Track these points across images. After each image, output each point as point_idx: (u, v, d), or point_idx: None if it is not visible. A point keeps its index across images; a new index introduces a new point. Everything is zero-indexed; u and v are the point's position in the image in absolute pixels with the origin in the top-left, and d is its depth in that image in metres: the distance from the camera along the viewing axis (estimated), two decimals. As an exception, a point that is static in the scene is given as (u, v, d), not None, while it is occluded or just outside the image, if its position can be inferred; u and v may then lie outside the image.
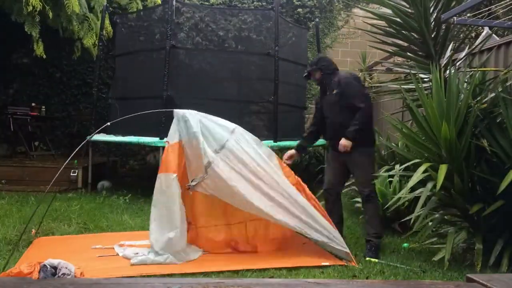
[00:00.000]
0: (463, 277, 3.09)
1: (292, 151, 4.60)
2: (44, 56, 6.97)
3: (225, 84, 7.82)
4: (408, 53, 4.90)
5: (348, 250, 3.79)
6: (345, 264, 3.64)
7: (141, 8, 8.39)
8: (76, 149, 3.49)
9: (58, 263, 2.99)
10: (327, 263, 3.62)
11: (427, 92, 3.97)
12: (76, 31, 7.33)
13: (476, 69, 4.04)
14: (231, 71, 7.84)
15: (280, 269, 3.50)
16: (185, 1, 8.67)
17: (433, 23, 4.43)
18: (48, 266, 2.94)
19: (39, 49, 6.82)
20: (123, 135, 6.80)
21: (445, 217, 4.01)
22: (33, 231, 4.22)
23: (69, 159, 3.56)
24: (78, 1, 6.79)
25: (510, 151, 3.48)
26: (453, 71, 3.86)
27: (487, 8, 4.24)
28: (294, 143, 7.52)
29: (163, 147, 4.19)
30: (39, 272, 2.90)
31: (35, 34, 6.69)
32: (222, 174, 3.70)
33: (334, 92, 4.22)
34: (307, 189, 4.00)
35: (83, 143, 3.81)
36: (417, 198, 3.85)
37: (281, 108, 7.09)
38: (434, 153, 3.75)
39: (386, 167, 5.46)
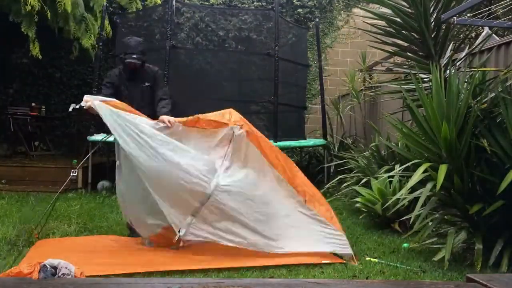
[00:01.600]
0: (463, 277, 3.09)
1: None
2: (40, 57, 6.97)
3: (225, 84, 7.83)
4: (408, 53, 4.90)
5: (350, 250, 3.81)
6: (345, 262, 3.65)
7: (141, 8, 8.39)
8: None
9: (58, 263, 2.98)
10: (327, 261, 3.63)
11: (427, 92, 3.97)
12: (72, 32, 7.33)
13: (476, 69, 4.04)
14: (231, 71, 7.85)
15: (280, 268, 3.50)
16: (185, 1, 8.67)
17: (433, 23, 4.43)
18: (48, 266, 2.94)
19: (35, 50, 6.83)
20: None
21: (445, 217, 4.01)
22: (36, 234, 4.21)
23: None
24: (72, 1, 6.77)
25: (510, 151, 3.48)
26: (453, 71, 3.86)
27: (487, 8, 4.23)
28: (294, 143, 7.58)
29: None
30: (39, 272, 2.90)
31: (31, 35, 6.69)
32: None
33: (146, 84, 4.38)
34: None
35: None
36: (417, 198, 3.85)
37: (281, 108, 7.09)
38: (434, 153, 3.75)
39: (386, 167, 5.47)
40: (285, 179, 3.94)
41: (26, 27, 6.66)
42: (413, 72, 4.31)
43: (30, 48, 6.84)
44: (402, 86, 4.52)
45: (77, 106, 3.89)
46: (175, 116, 4.02)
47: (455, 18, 3.73)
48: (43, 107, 8.98)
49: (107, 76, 4.52)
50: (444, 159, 3.62)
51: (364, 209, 5.20)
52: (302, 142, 7.82)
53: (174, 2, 6.81)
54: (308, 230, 3.89)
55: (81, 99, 3.84)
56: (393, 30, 4.67)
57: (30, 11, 6.37)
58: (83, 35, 7.50)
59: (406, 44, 4.77)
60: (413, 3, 4.36)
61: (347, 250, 3.83)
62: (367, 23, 4.88)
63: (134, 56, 4.33)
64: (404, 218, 4.40)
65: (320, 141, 8.17)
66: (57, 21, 7.12)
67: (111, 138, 4.38)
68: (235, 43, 8.32)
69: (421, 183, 3.78)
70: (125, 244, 4.22)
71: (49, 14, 6.64)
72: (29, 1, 6.23)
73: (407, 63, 5.30)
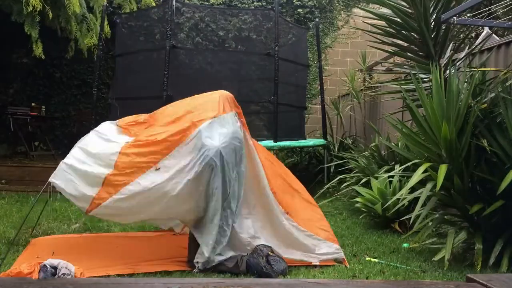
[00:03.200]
0: (463, 277, 3.09)
1: None
2: (43, 57, 6.97)
3: (225, 84, 7.82)
4: (408, 53, 4.90)
5: (341, 253, 3.77)
6: (336, 264, 3.64)
7: (136, 8, 8.41)
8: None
9: (58, 263, 2.99)
10: (317, 263, 3.62)
11: (427, 92, 3.97)
12: (73, 31, 7.33)
13: (476, 69, 4.04)
14: (231, 71, 7.84)
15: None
16: (185, 1, 8.67)
17: (433, 23, 4.42)
18: (48, 266, 2.94)
19: (38, 50, 6.83)
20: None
21: (445, 217, 4.01)
22: (30, 230, 4.22)
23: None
24: (79, 1, 6.79)
25: (510, 151, 3.48)
26: (453, 71, 3.86)
27: (487, 8, 4.23)
28: (294, 143, 7.58)
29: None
30: (39, 272, 2.90)
31: (34, 35, 6.69)
32: None
33: None
34: None
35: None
36: (417, 198, 3.85)
37: (281, 108, 7.09)
38: (434, 153, 3.75)
39: (386, 167, 5.47)
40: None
41: (29, 27, 6.66)
42: (413, 72, 4.31)
43: (33, 48, 6.83)
44: (402, 86, 4.52)
45: None
46: None
47: (455, 18, 3.73)
48: (43, 107, 8.98)
49: None
50: (444, 159, 3.62)
51: (364, 209, 5.20)
52: (302, 142, 7.82)
53: (174, 2, 6.80)
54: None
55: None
56: (393, 30, 4.67)
57: (32, 12, 6.36)
58: (84, 35, 7.50)
59: (406, 44, 4.77)
60: (413, 3, 4.36)
61: (337, 255, 3.76)
62: (367, 23, 4.87)
63: None
64: (404, 218, 4.40)
65: (320, 141, 8.17)
66: (59, 21, 7.11)
67: None
68: (235, 43, 8.32)
69: (421, 183, 3.78)
70: (123, 243, 4.21)
71: (50, 15, 6.64)
72: (31, 1, 6.22)
73: (407, 63, 5.30)
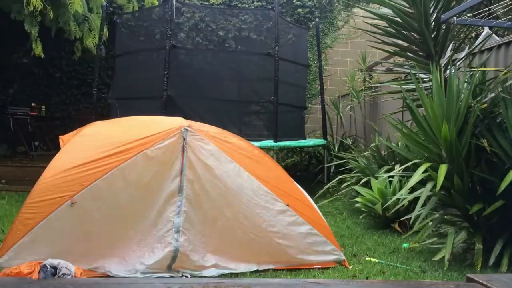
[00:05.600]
0: (463, 277, 3.09)
1: None
2: (43, 56, 6.96)
3: (225, 84, 7.82)
4: (408, 53, 4.89)
5: (341, 255, 3.73)
6: (338, 265, 3.63)
7: (137, 8, 8.41)
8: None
9: (58, 263, 2.98)
10: (319, 266, 3.61)
11: (427, 92, 3.97)
12: (73, 32, 7.32)
13: (476, 69, 4.04)
14: (231, 71, 7.84)
15: (280, 269, 3.50)
16: (185, 1, 8.67)
17: (433, 23, 4.42)
18: (48, 266, 2.94)
19: (37, 49, 6.82)
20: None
21: (445, 217, 4.01)
22: None
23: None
24: (81, 1, 6.80)
25: (510, 151, 3.48)
26: (453, 71, 3.86)
27: (487, 8, 4.23)
28: (294, 143, 7.58)
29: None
30: (39, 272, 2.90)
31: (34, 33, 6.69)
32: None
33: None
34: None
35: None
36: (417, 198, 3.85)
37: (281, 108, 7.09)
38: (434, 153, 3.75)
39: (386, 167, 5.47)
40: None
41: (29, 25, 6.65)
42: (413, 72, 4.31)
43: (32, 47, 6.82)
44: (402, 86, 4.51)
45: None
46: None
47: (455, 18, 3.73)
48: (43, 107, 8.98)
49: None
50: (444, 159, 3.62)
51: (364, 209, 5.21)
52: (302, 142, 7.81)
53: (174, 2, 6.80)
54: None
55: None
56: (393, 30, 4.66)
57: (32, 11, 6.36)
58: (86, 35, 7.51)
59: (406, 44, 4.77)
60: (413, 3, 4.36)
61: (337, 256, 3.69)
62: (367, 23, 4.87)
63: None
64: (404, 218, 4.40)
65: (320, 141, 8.17)
66: (57, 21, 7.11)
67: None
68: (235, 43, 8.33)
69: (421, 183, 3.78)
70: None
71: (51, 15, 6.63)
72: (32, 1, 6.22)
73: (407, 63, 5.30)
